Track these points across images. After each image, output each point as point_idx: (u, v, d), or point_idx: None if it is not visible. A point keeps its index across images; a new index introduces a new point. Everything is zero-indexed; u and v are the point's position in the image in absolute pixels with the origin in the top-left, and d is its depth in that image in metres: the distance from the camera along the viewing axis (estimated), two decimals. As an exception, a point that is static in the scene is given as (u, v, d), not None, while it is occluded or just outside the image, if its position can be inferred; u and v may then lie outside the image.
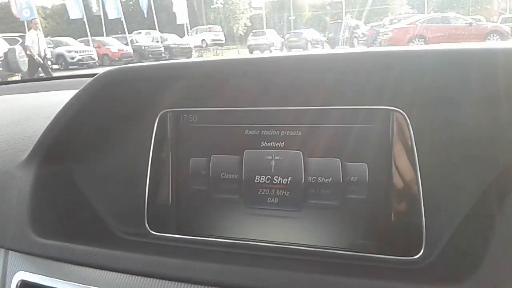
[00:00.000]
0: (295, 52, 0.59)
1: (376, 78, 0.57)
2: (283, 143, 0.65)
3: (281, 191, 0.65)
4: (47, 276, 0.57)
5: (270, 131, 0.65)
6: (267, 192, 0.65)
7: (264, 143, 0.66)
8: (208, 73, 0.62)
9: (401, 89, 0.57)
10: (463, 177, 0.55)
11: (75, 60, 15.34)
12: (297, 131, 0.64)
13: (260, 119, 0.66)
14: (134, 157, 0.70)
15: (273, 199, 0.65)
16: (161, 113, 0.69)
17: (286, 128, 0.65)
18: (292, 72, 0.59)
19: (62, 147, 0.67)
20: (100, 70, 0.65)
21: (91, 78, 0.63)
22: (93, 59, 15.87)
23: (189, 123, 0.69)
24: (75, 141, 0.68)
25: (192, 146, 0.69)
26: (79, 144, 0.69)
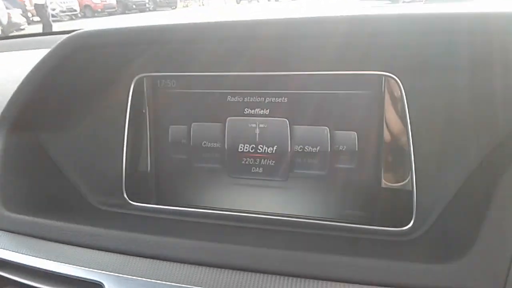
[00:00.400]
0: (280, 15, 0.53)
1: (367, 43, 0.52)
2: (268, 110, 0.61)
3: (266, 160, 0.62)
4: (17, 252, 0.54)
5: (254, 98, 0.61)
6: (251, 161, 0.62)
7: (248, 110, 0.62)
8: (184, 38, 0.56)
9: (393, 53, 0.53)
10: (458, 147, 0.52)
11: (56, 11, 14.76)
12: (283, 98, 0.60)
13: (244, 85, 0.61)
14: (110, 124, 0.66)
15: (257, 168, 0.62)
16: (136, 77, 0.64)
17: (271, 95, 0.60)
18: (277, 37, 0.54)
19: (31, 114, 0.63)
20: (81, 23, 0.59)
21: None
22: (75, 10, 15.29)
23: (167, 88, 0.65)
24: (45, 108, 0.63)
25: (172, 113, 0.65)
26: (50, 111, 0.64)
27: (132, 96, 0.65)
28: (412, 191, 0.54)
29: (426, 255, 0.48)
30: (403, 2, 7.63)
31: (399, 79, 0.54)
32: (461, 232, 0.47)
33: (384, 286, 0.44)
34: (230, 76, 0.61)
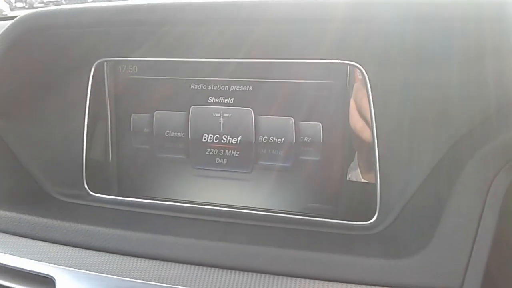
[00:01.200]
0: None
1: (335, 30, 0.50)
2: (232, 99, 0.59)
3: (230, 151, 0.60)
4: None
5: (218, 86, 0.59)
6: (215, 152, 0.60)
7: (212, 98, 0.59)
8: (145, 19, 0.53)
9: (360, 42, 0.51)
10: (422, 141, 0.51)
11: (40, -3, 14.47)
12: (248, 86, 0.58)
13: (208, 72, 0.59)
14: (69, 111, 0.63)
15: (221, 159, 0.60)
16: (96, 62, 0.61)
17: (236, 83, 0.58)
18: (241, 21, 0.51)
19: (-16, 101, 0.60)
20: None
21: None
22: (60, -4, 15.01)
23: (129, 74, 0.62)
24: (0, 95, 0.60)
25: (133, 101, 0.62)
26: (5, 98, 0.61)
27: (92, 82, 0.62)
28: (376, 185, 0.53)
29: (386, 250, 0.46)
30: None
31: (364, 69, 0.53)
32: (420, 228, 0.46)
33: (342, 281, 0.43)
34: (194, 63, 0.59)
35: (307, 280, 0.45)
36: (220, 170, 0.60)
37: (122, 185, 0.64)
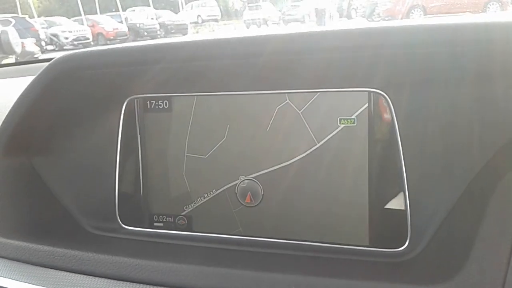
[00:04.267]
0: (264, 31, 0.53)
1: (355, 58, 0.52)
2: None
3: None
4: (4, 277, 0.53)
5: None
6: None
7: None
8: (176, 57, 0.56)
9: (380, 69, 0.52)
10: (450, 165, 0.51)
11: (69, 40, 15.10)
12: None
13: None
14: (102, 147, 0.66)
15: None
16: (127, 99, 0.64)
17: None
18: (269, 54, 0.53)
19: (23, 138, 0.63)
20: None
21: None
22: (88, 38, 15.62)
23: (159, 110, 0.64)
24: (36, 131, 0.64)
25: (164, 136, 0.64)
26: (42, 135, 0.65)
27: (123, 118, 0.64)
28: (406, 211, 0.53)
29: (418, 276, 0.46)
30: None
31: (387, 95, 0.53)
32: (453, 254, 0.45)
33: None
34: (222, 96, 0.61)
35: None
36: (251, 206, 0.61)
37: (153, 217, 0.65)
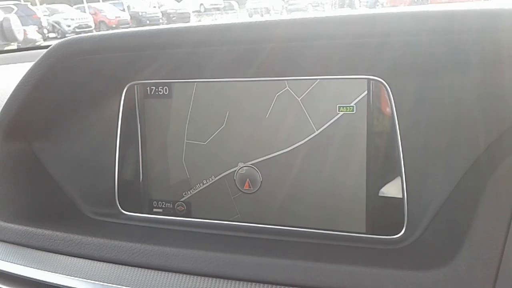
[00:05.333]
0: (272, 17, 0.53)
1: (355, 45, 0.51)
2: None
3: None
4: (5, 261, 0.54)
5: None
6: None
7: None
8: (168, 43, 0.56)
9: (380, 56, 0.52)
10: (447, 154, 0.51)
11: (71, 27, 15.04)
12: None
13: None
14: (102, 133, 0.66)
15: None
16: (127, 85, 0.64)
17: None
18: (278, 40, 0.53)
19: (23, 123, 0.63)
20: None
21: None
22: (90, 26, 15.56)
23: (159, 96, 0.64)
24: (37, 116, 0.64)
25: (164, 122, 0.65)
26: (42, 120, 0.65)
27: (123, 104, 0.65)
28: (402, 199, 0.53)
29: (414, 262, 0.46)
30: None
31: (387, 83, 0.53)
32: (448, 240, 0.46)
33: None
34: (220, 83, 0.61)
35: None
36: (249, 193, 0.61)
37: (152, 203, 0.66)
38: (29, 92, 0.59)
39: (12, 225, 0.58)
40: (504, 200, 0.42)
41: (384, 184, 0.55)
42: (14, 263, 0.54)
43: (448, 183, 0.51)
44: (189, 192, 0.64)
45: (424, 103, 0.53)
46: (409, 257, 0.49)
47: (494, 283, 0.40)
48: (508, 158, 0.44)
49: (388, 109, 0.54)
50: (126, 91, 0.64)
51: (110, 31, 0.58)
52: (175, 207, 0.65)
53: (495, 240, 0.41)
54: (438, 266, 0.42)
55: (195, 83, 0.62)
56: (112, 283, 0.49)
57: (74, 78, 0.61)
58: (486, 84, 0.49)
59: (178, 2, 19.72)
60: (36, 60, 0.58)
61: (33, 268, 0.53)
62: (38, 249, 0.55)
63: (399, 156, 0.53)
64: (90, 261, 0.53)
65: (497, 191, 0.43)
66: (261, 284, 0.47)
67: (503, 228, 0.41)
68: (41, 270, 0.52)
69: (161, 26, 0.57)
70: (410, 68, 0.53)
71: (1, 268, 0.54)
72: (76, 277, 0.51)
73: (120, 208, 0.66)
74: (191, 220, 0.63)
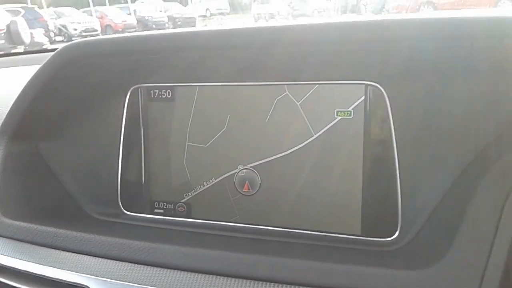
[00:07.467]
0: (266, 23, 0.55)
1: (352, 51, 0.53)
2: None
3: None
4: (10, 257, 0.56)
5: None
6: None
7: None
8: (178, 46, 0.58)
9: (376, 62, 0.53)
10: (441, 156, 0.52)
11: (78, 31, 15.14)
12: None
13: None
14: (106, 135, 0.68)
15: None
16: (131, 88, 0.66)
17: None
18: (273, 45, 0.54)
19: (30, 124, 0.65)
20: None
21: None
22: (96, 30, 15.65)
23: (162, 99, 0.66)
24: (43, 118, 0.66)
25: (167, 125, 0.66)
26: (48, 121, 0.67)
27: (127, 107, 0.66)
28: (397, 202, 0.54)
29: (406, 262, 0.47)
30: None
31: (383, 88, 0.55)
32: (440, 241, 0.47)
33: None
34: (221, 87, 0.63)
35: None
36: (248, 195, 0.63)
37: (154, 204, 0.68)
38: (36, 94, 0.61)
39: (17, 223, 0.59)
40: (493, 204, 0.43)
41: (380, 188, 0.56)
42: (19, 259, 0.55)
43: (441, 187, 0.52)
44: (189, 194, 0.66)
45: (420, 109, 0.54)
46: (402, 258, 0.50)
47: (480, 284, 0.41)
48: (497, 163, 0.45)
49: (384, 114, 0.55)
50: (130, 94, 0.66)
51: (117, 35, 0.60)
52: (176, 208, 0.66)
53: (483, 242, 0.42)
54: (427, 266, 0.43)
55: (197, 87, 0.64)
56: (114, 279, 0.51)
57: (80, 80, 0.63)
58: (477, 89, 0.50)
59: (184, 6, 19.83)
60: (43, 63, 0.60)
61: (38, 264, 0.54)
62: (43, 246, 0.57)
63: (394, 161, 0.54)
64: (92, 257, 0.54)
65: (486, 195, 0.44)
66: (257, 282, 0.48)
67: (491, 231, 0.42)
68: (45, 265, 0.54)
69: (166, 31, 0.59)
70: (407, 74, 0.54)
71: (7, 264, 0.56)
72: (78, 272, 0.53)
73: (122, 208, 0.68)
74: (191, 221, 0.65)
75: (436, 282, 0.42)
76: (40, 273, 0.53)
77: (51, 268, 0.54)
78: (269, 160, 0.62)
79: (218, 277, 0.49)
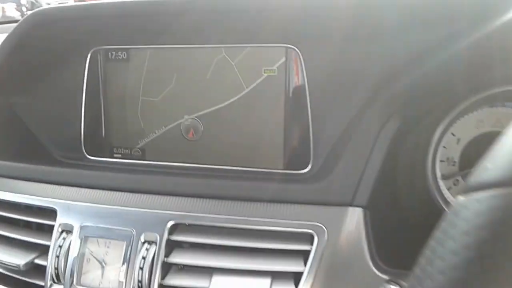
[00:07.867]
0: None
1: (272, 16, 0.65)
2: None
3: None
4: None
5: None
6: (186, 120, 0.75)
7: None
8: (128, 12, 0.68)
9: (296, 27, 0.65)
10: (340, 106, 0.65)
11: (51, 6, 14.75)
12: None
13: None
14: (70, 90, 0.78)
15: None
16: (92, 50, 0.76)
17: None
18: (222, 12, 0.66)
19: (2, 81, 0.75)
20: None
21: None
22: (70, 5, 15.28)
23: (119, 60, 0.77)
24: (14, 76, 0.76)
25: (123, 83, 0.77)
26: (19, 78, 0.76)
27: (88, 66, 0.77)
28: (309, 142, 0.67)
29: (310, 181, 0.61)
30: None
31: (299, 50, 0.67)
32: (334, 166, 0.60)
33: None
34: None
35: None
36: (193, 140, 0.75)
37: (113, 149, 0.79)
38: (6, 55, 0.71)
39: None
40: (372, 130, 0.57)
41: (297, 130, 0.69)
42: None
43: (341, 125, 0.65)
44: (143, 140, 0.77)
45: (328, 66, 0.66)
46: (312, 180, 0.64)
47: (355, 193, 0.55)
48: (375, 101, 0.58)
49: (300, 71, 0.68)
50: (91, 55, 0.77)
51: (78, 3, 0.70)
52: (132, 152, 0.78)
53: (359, 163, 0.56)
54: (319, 181, 0.57)
55: (149, 49, 0.75)
56: (76, 201, 0.62)
57: (46, 43, 0.73)
58: (373, 51, 0.63)
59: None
60: (13, 29, 0.70)
61: (11, 192, 0.66)
62: (15, 179, 0.68)
63: (307, 108, 0.67)
64: (58, 186, 0.66)
65: (368, 124, 0.58)
66: (195, 198, 0.61)
67: (365, 155, 0.56)
68: (17, 194, 0.65)
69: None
70: (318, 39, 0.66)
71: None
72: (47, 197, 0.64)
73: (85, 152, 0.79)
74: (145, 162, 0.76)
75: (323, 190, 0.56)
76: (14, 200, 0.65)
77: (23, 195, 0.65)
78: (210, 111, 0.74)
79: (161, 196, 0.61)
